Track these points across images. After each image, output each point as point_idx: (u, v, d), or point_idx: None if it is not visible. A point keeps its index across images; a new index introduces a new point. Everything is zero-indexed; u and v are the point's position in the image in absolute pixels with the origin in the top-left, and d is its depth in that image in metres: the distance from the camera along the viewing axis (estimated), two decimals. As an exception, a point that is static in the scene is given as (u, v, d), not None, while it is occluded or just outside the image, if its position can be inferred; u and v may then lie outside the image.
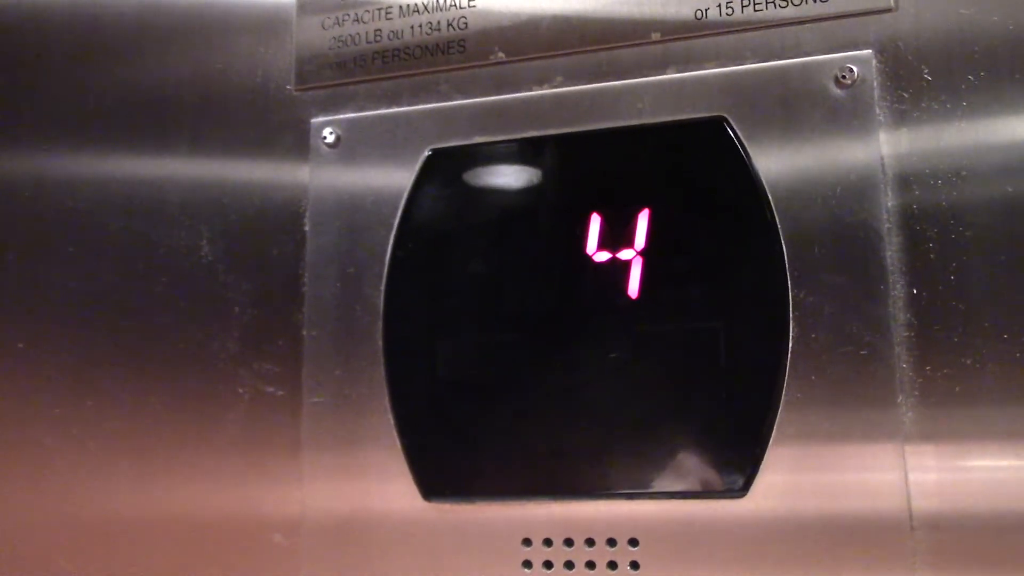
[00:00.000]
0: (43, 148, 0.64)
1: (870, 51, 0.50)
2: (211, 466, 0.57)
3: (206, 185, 0.60)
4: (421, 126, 0.56)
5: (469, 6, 0.57)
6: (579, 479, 0.51)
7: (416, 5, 0.58)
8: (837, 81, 0.50)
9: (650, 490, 0.50)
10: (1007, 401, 0.46)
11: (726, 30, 0.52)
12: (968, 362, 0.47)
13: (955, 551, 0.46)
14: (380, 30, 0.58)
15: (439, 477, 0.53)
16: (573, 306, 0.53)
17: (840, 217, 0.49)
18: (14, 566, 0.60)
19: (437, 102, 0.56)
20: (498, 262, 0.54)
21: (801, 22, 0.51)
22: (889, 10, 0.50)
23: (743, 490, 0.49)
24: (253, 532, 0.56)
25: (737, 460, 0.49)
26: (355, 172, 0.57)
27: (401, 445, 0.54)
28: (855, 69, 0.50)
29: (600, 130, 0.53)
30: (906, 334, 0.48)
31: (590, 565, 0.50)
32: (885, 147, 0.49)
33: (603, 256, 0.52)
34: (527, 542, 0.52)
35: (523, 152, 0.55)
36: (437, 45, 0.57)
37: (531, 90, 0.55)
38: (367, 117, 0.57)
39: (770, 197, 0.50)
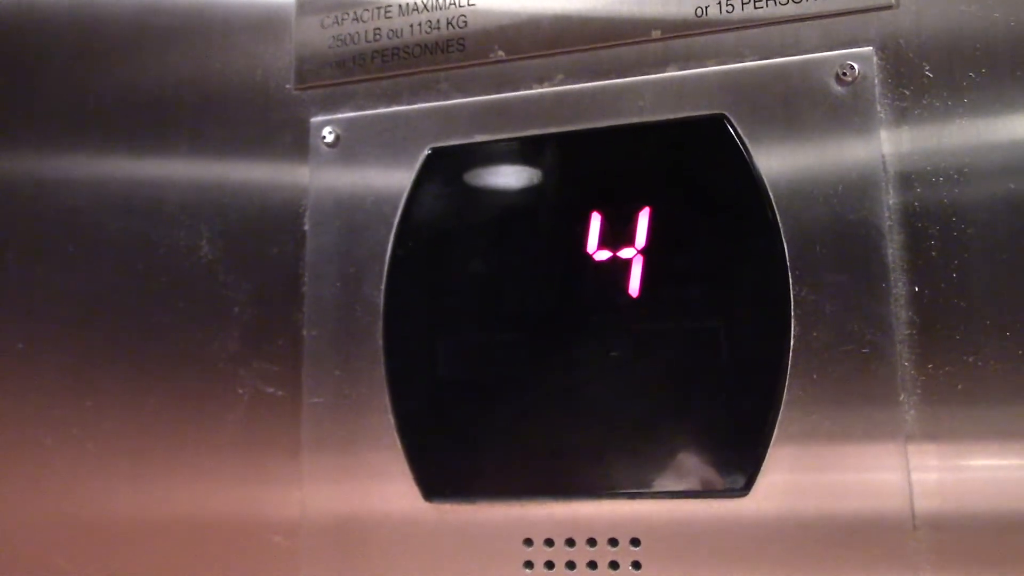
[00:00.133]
0: (42, 148, 0.64)
1: (871, 48, 0.50)
2: (210, 466, 0.57)
3: (205, 185, 0.60)
4: (421, 125, 0.56)
5: (469, 5, 0.57)
6: (580, 479, 0.51)
7: (415, 4, 0.58)
8: (838, 78, 0.50)
9: (652, 490, 0.50)
10: (1010, 399, 0.46)
11: (726, 28, 0.52)
12: (970, 360, 0.47)
13: (958, 551, 0.46)
14: (379, 29, 0.58)
15: (440, 477, 0.53)
16: (574, 305, 0.52)
17: (841, 215, 0.49)
18: (13, 566, 0.60)
19: (437, 101, 0.56)
20: (498, 261, 0.54)
21: (801, 19, 0.51)
22: (890, 7, 0.50)
23: (745, 489, 0.48)
24: (253, 533, 0.56)
25: (739, 459, 0.49)
26: (355, 171, 0.57)
27: (401, 445, 0.54)
28: (856, 66, 0.50)
29: (600, 128, 0.53)
30: (908, 332, 0.48)
31: (592, 565, 0.50)
32: (886, 145, 0.49)
33: (604, 255, 0.52)
34: (528, 542, 0.51)
35: (523, 151, 0.55)
36: (437, 44, 0.57)
37: (531, 88, 0.55)
38: (367, 116, 0.57)
39: (771, 195, 0.50)
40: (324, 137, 0.58)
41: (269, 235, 0.58)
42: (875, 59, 0.50)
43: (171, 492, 0.58)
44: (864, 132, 0.49)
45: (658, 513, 0.50)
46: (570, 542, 0.51)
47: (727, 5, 0.52)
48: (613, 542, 0.50)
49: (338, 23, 0.58)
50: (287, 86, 0.59)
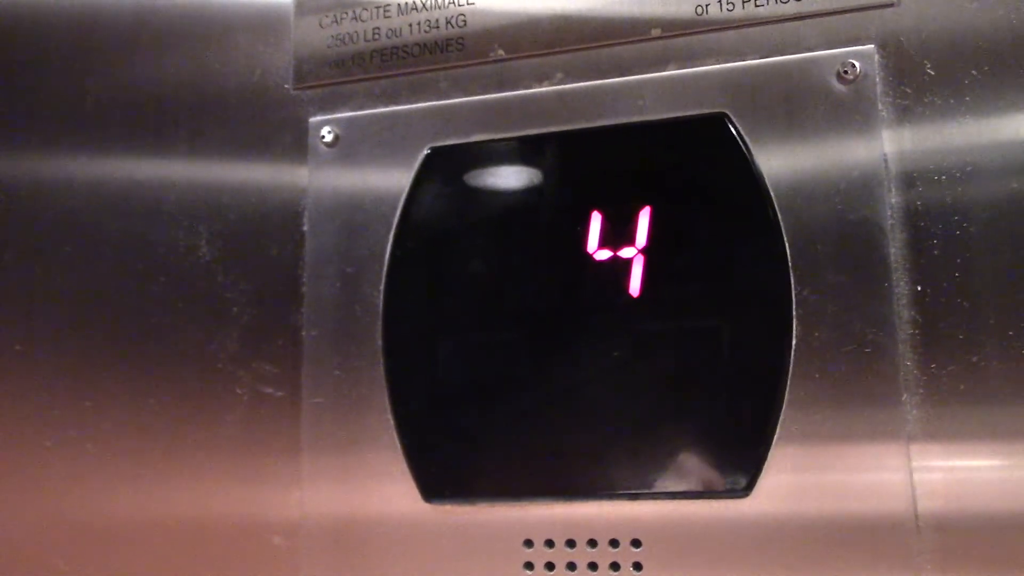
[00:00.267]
0: (41, 148, 0.64)
1: (872, 46, 0.50)
2: (210, 467, 0.57)
3: (204, 185, 0.60)
4: (420, 124, 0.56)
5: (468, 4, 0.56)
6: (581, 479, 0.51)
7: (414, 3, 0.57)
8: (839, 77, 0.50)
9: (653, 490, 0.50)
10: (1013, 399, 0.46)
11: (727, 26, 0.52)
12: (974, 359, 0.46)
13: (961, 552, 0.46)
14: (378, 28, 0.58)
15: (440, 478, 0.53)
16: (574, 305, 0.52)
17: (843, 214, 0.49)
18: (12, 567, 0.60)
19: (436, 100, 0.56)
20: (498, 261, 0.54)
21: (802, 17, 0.51)
22: (891, 5, 0.50)
23: (746, 490, 0.48)
24: (252, 534, 0.56)
25: (740, 460, 0.49)
26: (354, 171, 0.57)
27: (401, 446, 0.53)
28: (857, 65, 0.49)
29: (600, 127, 0.53)
30: (910, 332, 0.47)
31: (592, 566, 0.50)
32: (888, 143, 0.49)
33: (604, 254, 0.52)
34: (529, 543, 0.51)
35: (523, 150, 0.54)
36: (436, 43, 0.56)
37: (531, 88, 0.55)
38: (366, 116, 0.57)
39: (772, 194, 0.50)
40: (323, 137, 0.57)
41: (268, 235, 0.58)
42: (876, 57, 0.49)
43: (170, 492, 0.58)
44: (865, 131, 0.49)
45: (659, 514, 0.49)
46: (571, 543, 0.51)
47: (727, 4, 0.52)
48: (614, 543, 0.50)
49: (337, 22, 0.58)
50: (286, 86, 0.59)
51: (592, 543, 0.50)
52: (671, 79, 0.52)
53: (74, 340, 0.61)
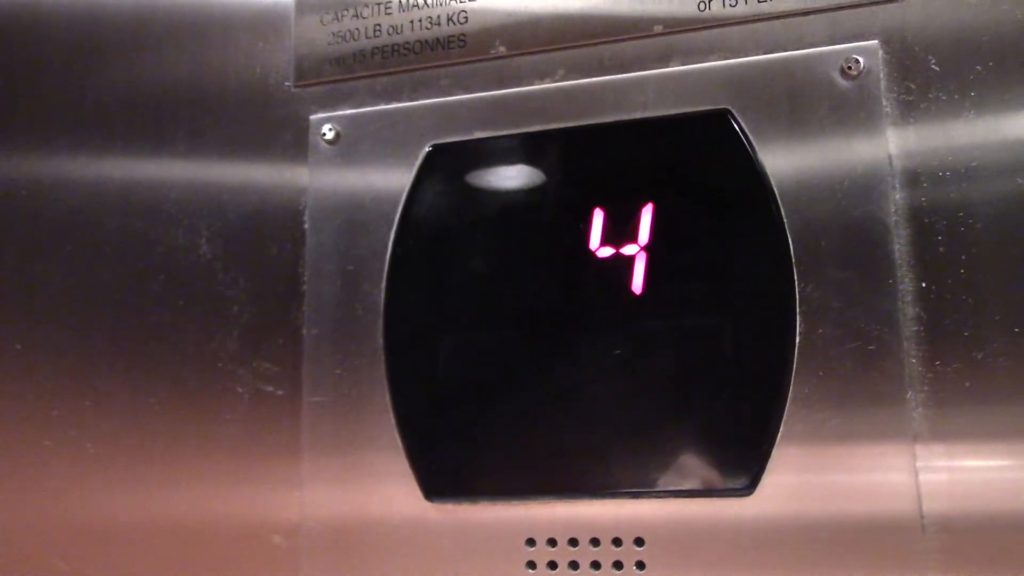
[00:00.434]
0: (40, 147, 0.64)
1: (876, 42, 0.49)
2: (210, 466, 0.57)
3: (204, 183, 0.60)
4: (421, 122, 0.56)
5: (469, 0, 0.56)
6: (583, 478, 0.51)
7: (416, 0, 0.57)
8: (843, 72, 0.49)
9: (656, 489, 0.50)
10: (1020, 397, 0.46)
11: (729, 22, 0.52)
12: (979, 356, 0.46)
13: (968, 554, 0.45)
14: (379, 25, 0.58)
15: (441, 477, 0.53)
16: (576, 303, 0.52)
17: (847, 210, 0.48)
18: (11, 567, 0.60)
19: (437, 97, 0.56)
20: (500, 259, 0.54)
21: (805, 13, 0.51)
22: (896, 0, 0.49)
23: (750, 489, 0.48)
24: (252, 533, 0.55)
25: (743, 458, 0.48)
26: (355, 169, 0.57)
27: (402, 445, 0.53)
28: (861, 60, 0.49)
29: (603, 124, 0.53)
30: (915, 329, 0.47)
31: (595, 565, 0.50)
32: (892, 139, 0.49)
33: (606, 252, 0.51)
34: (531, 542, 0.51)
35: (525, 147, 0.54)
36: (437, 40, 0.56)
37: (532, 84, 0.55)
38: (367, 113, 0.57)
39: (775, 191, 0.49)
40: (324, 134, 0.57)
41: (268, 234, 0.58)
42: (880, 53, 0.49)
43: (171, 492, 0.57)
44: (870, 127, 0.49)
45: (662, 513, 0.49)
46: (573, 542, 0.50)
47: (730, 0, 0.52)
48: (617, 542, 0.50)
49: (338, 19, 0.58)
50: (286, 83, 0.59)
51: (595, 542, 0.50)
52: (674, 75, 0.52)
53: (74, 339, 0.61)
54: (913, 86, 0.49)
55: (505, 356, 0.53)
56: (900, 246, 0.48)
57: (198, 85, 0.61)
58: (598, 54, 0.54)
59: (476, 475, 0.53)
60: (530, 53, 0.55)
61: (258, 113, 0.59)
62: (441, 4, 0.57)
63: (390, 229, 0.55)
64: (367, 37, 0.58)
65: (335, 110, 0.58)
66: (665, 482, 0.49)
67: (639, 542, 0.49)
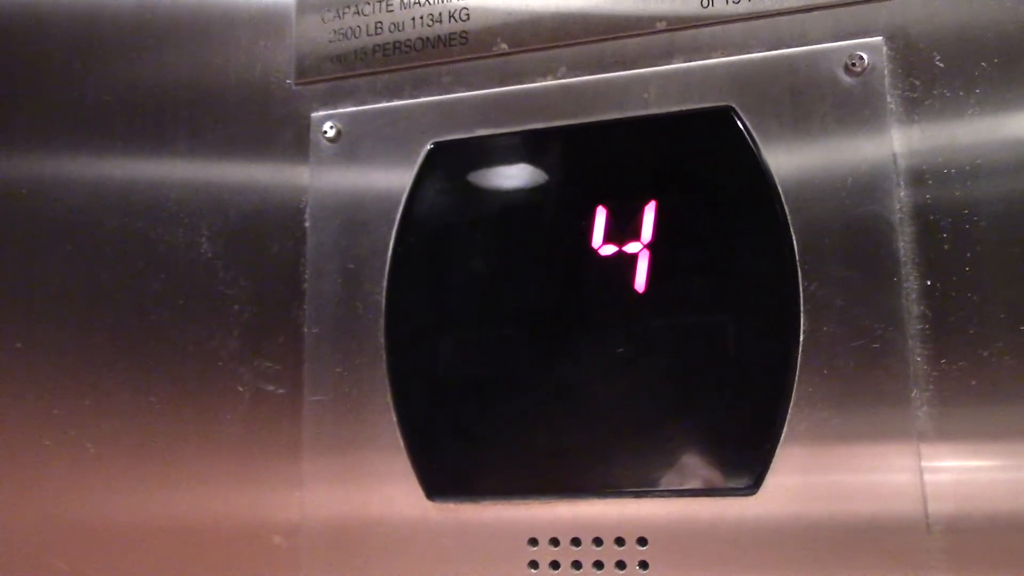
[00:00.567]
0: (40, 146, 0.64)
1: (880, 38, 0.49)
2: (211, 465, 0.57)
3: (205, 182, 0.60)
4: (423, 119, 0.56)
5: (471, -2, 0.56)
6: (586, 477, 0.51)
7: (417, -3, 0.57)
8: (847, 69, 0.49)
9: (659, 488, 0.49)
10: (1025, 395, 0.45)
11: (733, 19, 0.52)
12: (985, 354, 0.46)
13: (974, 555, 0.45)
14: (381, 23, 0.57)
15: (443, 476, 0.53)
16: (579, 301, 0.52)
17: (851, 208, 0.48)
18: (11, 567, 0.60)
19: (439, 95, 0.56)
20: (502, 257, 0.54)
21: (809, 10, 0.50)
22: (899, -5, 0.50)
23: (753, 488, 0.48)
24: (253, 533, 0.55)
25: (747, 458, 0.48)
26: (356, 167, 0.56)
27: (404, 444, 0.53)
28: (865, 57, 0.49)
29: (605, 121, 0.53)
30: (920, 326, 0.47)
31: (598, 565, 0.50)
32: (896, 136, 0.48)
33: (609, 250, 0.51)
34: (533, 542, 0.51)
35: (527, 145, 0.54)
36: (439, 37, 0.56)
37: (535, 82, 0.54)
38: (368, 111, 0.57)
39: (779, 188, 0.49)
40: (325, 132, 0.57)
41: (269, 232, 0.58)
42: (884, 49, 0.49)
43: (171, 491, 0.57)
44: (874, 124, 0.48)
45: (665, 512, 0.49)
46: (576, 542, 0.50)
47: (733, -4, 0.52)
48: (619, 541, 0.49)
49: (339, 17, 0.58)
50: (287, 81, 0.59)
51: (597, 541, 0.50)
52: (676, 72, 0.52)
53: (74, 338, 0.61)
54: (917, 83, 0.49)
55: (507, 355, 0.53)
56: (904, 244, 0.47)
57: (198, 83, 0.61)
58: (600, 51, 0.54)
59: (478, 474, 0.52)
60: (532, 50, 0.55)
61: (259, 111, 0.59)
62: (443, 1, 0.56)
63: (391, 227, 0.55)
64: (368, 34, 0.57)
65: (336, 108, 0.57)
66: (668, 481, 0.49)
67: (642, 542, 0.49)
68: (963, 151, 0.48)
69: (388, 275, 0.55)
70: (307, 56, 0.58)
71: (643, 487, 0.49)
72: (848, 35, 0.50)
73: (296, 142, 0.58)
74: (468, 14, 0.56)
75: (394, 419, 0.53)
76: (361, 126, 0.57)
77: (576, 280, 0.52)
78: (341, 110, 0.57)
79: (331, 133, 0.57)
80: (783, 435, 0.48)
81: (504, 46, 0.55)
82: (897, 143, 0.48)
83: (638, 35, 0.53)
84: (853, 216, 0.48)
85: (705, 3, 0.52)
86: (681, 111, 0.51)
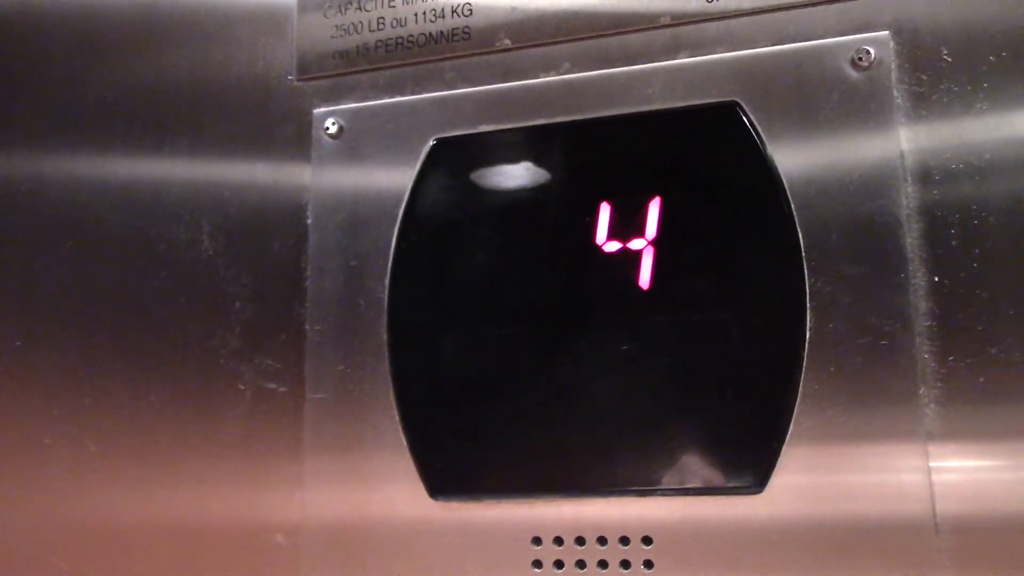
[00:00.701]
0: (41, 143, 0.64)
1: (887, 32, 0.49)
2: (212, 464, 0.56)
3: (206, 179, 0.59)
4: (425, 115, 0.55)
5: (474, -7, 0.56)
6: (590, 476, 0.50)
7: (420, -7, 0.57)
8: (853, 64, 0.49)
9: (663, 487, 0.49)
10: (1034, 392, 0.45)
11: (738, 14, 0.51)
12: (993, 351, 0.46)
13: (982, 556, 0.45)
14: (383, 18, 0.57)
15: (446, 475, 0.52)
16: (583, 298, 0.52)
17: (858, 204, 0.48)
18: (11, 567, 0.59)
19: (442, 90, 0.56)
20: (505, 254, 0.53)
21: (815, 4, 0.50)
22: (907, -11, 0.49)
23: (759, 487, 0.47)
24: (254, 531, 0.55)
25: (753, 456, 0.48)
26: (358, 163, 0.56)
27: (406, 442, 0.53)
28: (872, 51, 0.49)
29: (609, 117, 0.52)
30: (928, 324, 0.47)
31: (602, 564, 0.49)
32: (904, 132, 0.48)
33: (613, 246, 0.51)
34: (537, 541, 0.50)
35: (530, 141, 0.54)
36: (441, 32, 0.56)
37: (538, 77, 0.54)
38: (370, 107, 0.57)
39: (785, 184, 0.49)
40: (327, 129, 0.57)
41: (271, 229, 0.58)
42: (891, 43, 0.49)
43: (171, 490, 0.57)
44: (881, 119, 0.48)
45: (670, 511, 0.49)
46: (580, 541, 0.50)
47: (738, -9, 0.52)
48: (624, 540, 0.49)
49: (341, 12, 0.58)
50: (289, 77, 0.59)
51: (602, 540, 0.50)
52: (681, 68, 0.52)
53: (74, 336, 0.60)
54: (925, 77, 0.48)
55: (510, 352, 0.52)
56: (912, 240, 0.47)
57: (199, 80, 0.61)
58: (604, 46, 0.53)
59: (481, 473, 0.52)
60: (535, 46, 0.54)
61: (260, 107, 0.59)
62: (445, -4, 0.56)
63: (394, 224, 0.55)
64: (370, 30, 0.57)
65: (338, 104, 0.57)
66: (673, 480, 0.49)
67: (647, 541, 0.49)
68: (971, 146, 0.47)
69: (390, 272, 0.54)
70: (309, 52, 0.58)
71: (647, 486, 0.49)
72: (854, 29, 0.49)
73: (298, 139, 0.58)
74: (471, 9, 0.56)
75: (396, 417, 0.53)
76: (363, 122, 0.56)
77: (580, 277, 0.52)
78: (343, 106, 0.57)
79: (333, 129, 0.57)
80: (789, 434, 0.47)
81: (507, 41, 0.55)
82: (904, 138, 0.48)
83: (642, 30, 0.53)
84: (860, 212, 0.48)
85: (710, -2, 0.52)
86: (686, 107, 0.51)
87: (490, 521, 0.51)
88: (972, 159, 0.47)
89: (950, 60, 0.48)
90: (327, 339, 0.55)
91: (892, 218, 0.47)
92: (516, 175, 0.54)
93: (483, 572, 0.51)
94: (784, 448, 0.47)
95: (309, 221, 0.57)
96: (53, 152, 0.63)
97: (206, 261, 0.58)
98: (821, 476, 0.47)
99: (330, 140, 0.57)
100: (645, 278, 0.50)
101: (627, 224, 0.51)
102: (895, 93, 0.48)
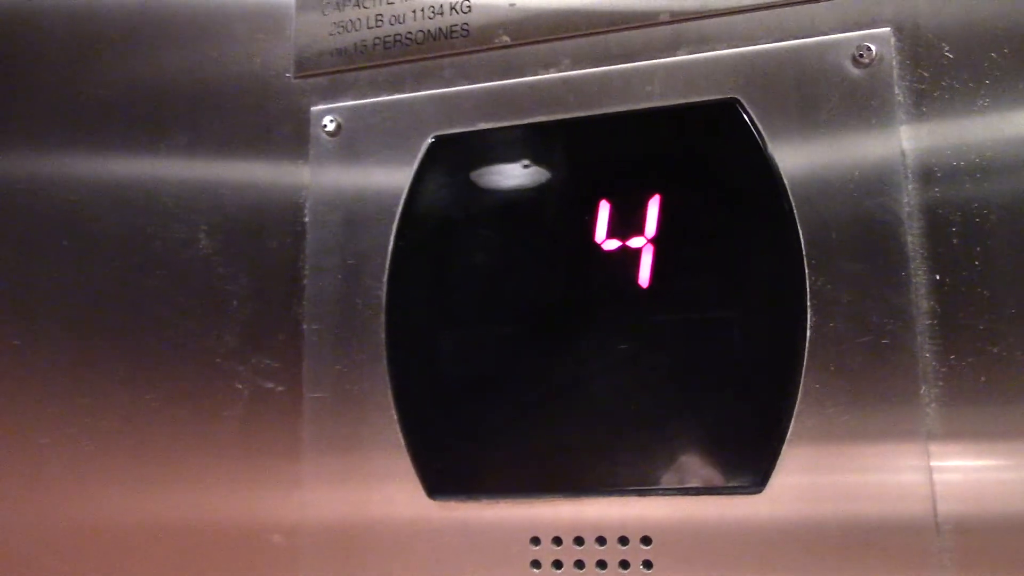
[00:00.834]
0: (37, 141, 0.63)
1: (888, 29, 0.49)
2: (210, 464, 0.56)
3: (203, 177, 0.59)
4: (424, 113, 0.55)
5: (473, -10, 0.56)
6: (589, 475, 0.50)
7: (418, -11, 0.57)
8: (854, 60, 0.48)
9: (663, 487, 0.49)
10: (1036, 391, 0.45)
11: (738, 10, 0.51)
12: (995, 350, 0.45)
13: (984, 557, 0.45)
14: (381, 15, 0.57)
15: (444, 475, 0.52)
16: (582, 297, 0.51)
17: (859, 201, 0.48)
18: (8, 567, 0.59)
19: (440, 88, 0.55)
20: (504, 252, 0.53)
21: (816, 0, 0.50)
22: (908, -15, 0.49)
23: (759, 487, 0.47)
24: (251, 531, 0.55)
25: (753, 455, 0.48)
26: (356, 161, 0.56)
27: (405, 442, 0.53)
28: (873, 48, 0.48)
29: (609, 114, 0.52)
30: (929, 322, 0.46)
31: (601, 564, 0.49)
32: (905, 129, 0.48)
33: (612, 244, 0.51)
34: (536, 541, 0.50)
35: (529, 138, 0.54)
36: (440, 29, 0.56)
37: (537, 74, 0.54)
38: (368, 104, 0.56)
39: (785, 181, 0.49)
40: (325, 126, 0.57)
41: (268, 227, 0.57)
42: (893, 40, 0.48)
43: (169, 490, 0.57)
44: (882, 116, 0.48)
45: (669, 511, 0.49)
46: (579, 541, 0.50)
47: (739, -13, 0.51)
48: (623, 540, 0.49)
49: (339, 9, 0.58)
50: (287, 75, 0.59)
51: (601, 540, 0.49)
52: (681, 64, 0.51)
53: (72, 336, 0.60)
54: (926, 74, 0.48)
55: (509, 351, 0.52)
56: (913, 238, 0.47)
57: (197, 77, 0.60)
58: (604, 43, 0.53)
59: (480, 473, 0.52)
60: (535, 43, 0.54)
61: (258, 105, 0.59)
62: (444, -7, 0.56)
63: (392, 222, 0.55)
64: (369, 27, 0.57)
65: (336, 101, 0.57)
66: (672, 480, 0.49)
67: (646, 541, 0.49)
68: (973, 143, 0.47)
69: (389, 271, 0.54)
70: (307, 49, 0.58)
71: (647, 485, 0.49)
72: (856, 26, 0.49)
73: (296, 136, 0.58)
74: (470, 6, 0.55)
75: (395, 416, 0.53)
76: (361, 120, 0.56)
77: (579, 275, 0.51)
78: (341, 104, 0.57)
79: (331, 127, 0.57)
80: (789, 433, 0.47)
81: (506, 38, 0.55)
82: (905, 136, 0.48)
83: (642, 27, 0.52)
84: (861, 210, 0.47)
85: (710, -6, 0.52)
86: (686, 104, 0.51)
87: (488, 521, 0.51)
88: (974, 156, 0.47)
89: (952, 57, 0.48)
90: (325, 338, 0.55)
91: (893, 216, 0.47)
92: (515, 173, 0.54)
93: (481, 572, 0.50)
94: (784, 448, 0.47)
95: (307, 219, 0.56)
96: (50, 151, 0.63)
97: (204, 260, 0.58)
98: (821, 476, 0.46)
99: (328, 138, 0.57)
100: (644, 277, 0.50)
101: (626, 222, 0.51)
102: (896, 90, 0.48)
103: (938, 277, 0.46)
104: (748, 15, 0.51)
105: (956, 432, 0.45)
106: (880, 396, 0.46)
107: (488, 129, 0.54)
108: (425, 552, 0.52)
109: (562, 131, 0.53)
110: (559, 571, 0.50)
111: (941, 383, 0.46)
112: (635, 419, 0.50)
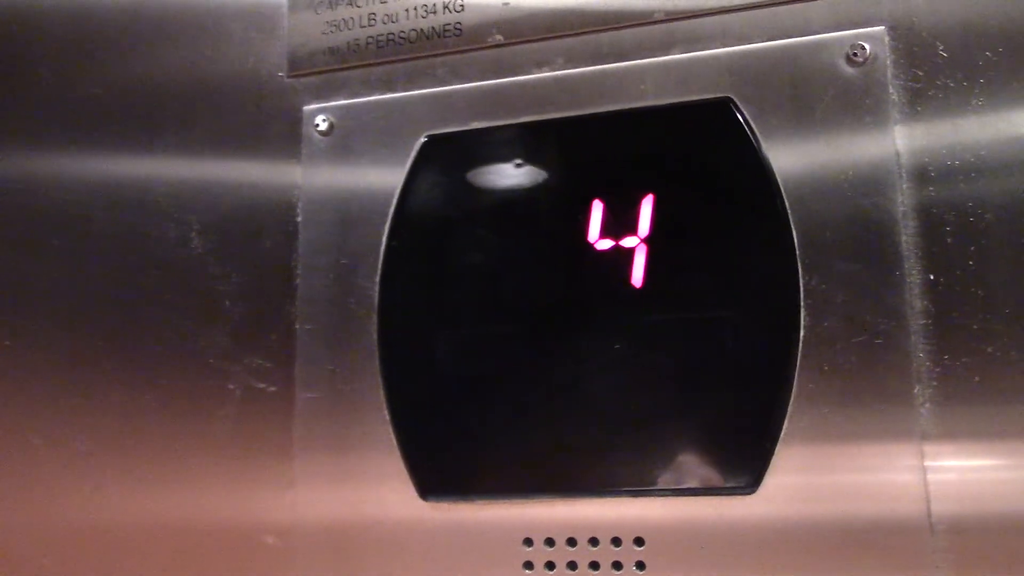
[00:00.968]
0: (30, 140, 0.63)
1: (883, 27, 0.49)
2: (202, 464, 0.56)
3: (196, 176, 0.59)
4: (417, 112, 0.55)
5: (466, -12, 0.56)
6: (582, 476, 0.50)
7: (411, -12, 0.57)
8: (848, 59, 0.48)
9: (656, 488, 0.49)
10: (1031, 391, 0.45)
11: (732, 9, 0.51)
12: (989, 350, 0.45)
13: (978, 557, 0.44)
14: (374, 14, 0.57)
15: (437, 475, 0.52)
16: (575, 296, 0.51)
17: (853, 201, 0.47)
18: (1, 568, 0.59)
19: (433, 87, 0.55)
20: (497, 252, 0.53)
21: (810, -1, 0.50)
22: (902, -16, 0.49)
23: (752, 487, 0.47)
24: (245, 533, 0.55)
25: (746, 456, 0.48)
26: (349, 160, 0.56)
27: (397, 442, 0.53)
28: (867, 47, 0.48)
29: (602, 113, 0.52)
30: (923, 322, 0.46)
31: (594, 566, 0.49)
32: (899, 128, 0.48)
33: (605, 244, 0.51)
34: (528, 542, 0.50)
35: (522, 137, 0.53)
36: (433, 28, 0.56)
37: (530, 73, 0.54)
38: (361, 104, 0.56)
39: (779, 181, 0.49)
40: (317, 125, 0.57)
41: (261, 227, 0.57)
42: (887, 39, 0.48)
43: (162, 490, 0.57)
44: (876, 115, 0.48)
45: (662, 512, 0.48)
46: (571, 542, 0.50)
47: (733, -14, 0.51)
48: (616, 541, 0.49)
49: (331, 8, 0.57)
50: (279, 74, 0.58)
51: (594, 541, 0.49)
52: (675, 63, 0.51)
53: (64, 335, 0.60)
54: (921, 73, 0.48)
55: (502, 351, 0.52)
56: (907, 238, 0.47)
57: (190, 76, 0.60)
58: (597, 42, 0.53)
59: (472, 473, 0.52)
60: (528, 42, 0.54)
61: (251, 104, 0.59)
62: (437, -8, 0.56)
63: (385, 222, 0.54)
64: (361, 26, 0.57)
65: (329, 101, 0.57)
66: (665, 480, 0.49)
67: (639, 542, 0.49)
68: (967, 142, 0.47)
69: (381, 271, 0.54)
70: (299, 48, 0.58)
71: (640, 486, 0.49)
72: (850, 25, 0.49)
73: (288, 136, 0.58)
74: (462, 5, 0.55)
75: (387, 417, 0.53)
76: (354, 119, 0.56)
77: (572, 275, 0.51)
78: (334, 103, 0.57)
79: (323, 126, 0.56)
80: (783, 433, 0.47)
81: (499, 37, 0.54)
82: (900, 135, 0.48)
83: (635, 25, 0.52)
84: (855, 209, 0.47)
85: (704, -7, 0.51)
86: (679, 103, 0.51)
87: (481, 522, 0.51)
88: (968, 156, 0.47)
89: (946, 56, 0.48)
90: (318, 338, 0.55)
91: (887, 215, 0.47)
92: (508, 172, 0.54)
93: (474, 573, 0.50)
94: (778, 448, 0.47)
95: (299, 219, 0.56)
96: (43, 150, 0.63)
97: (196, 259, 0.58)
98: (815, 476, 0.46)
99: (321, 137, 0.57)
100: (638, 276, 0.50)
101: (619, 222, 0.50)
102: (891, 89, 0.48)
103: (932, 277, 0.46)
104: (741, 14, 0.51)
105: (950, 432, 0.45)
106: (874, 396, 0.46)
107: (481, 128, 0.54)
108: (417, 553, 0.51)
109: (555, 130, 0.53)
110: (552, 572, 0.50)
111: (935, 383, 0.46)
112: (628, 419, 0.50)
